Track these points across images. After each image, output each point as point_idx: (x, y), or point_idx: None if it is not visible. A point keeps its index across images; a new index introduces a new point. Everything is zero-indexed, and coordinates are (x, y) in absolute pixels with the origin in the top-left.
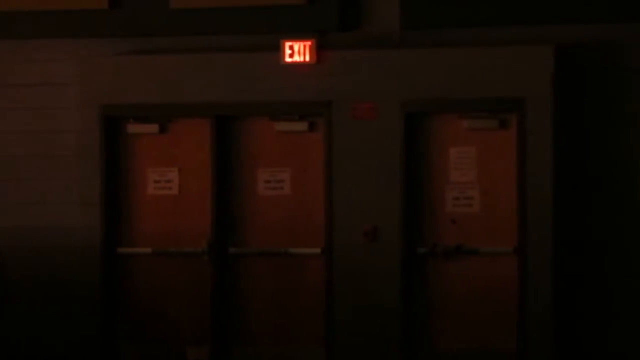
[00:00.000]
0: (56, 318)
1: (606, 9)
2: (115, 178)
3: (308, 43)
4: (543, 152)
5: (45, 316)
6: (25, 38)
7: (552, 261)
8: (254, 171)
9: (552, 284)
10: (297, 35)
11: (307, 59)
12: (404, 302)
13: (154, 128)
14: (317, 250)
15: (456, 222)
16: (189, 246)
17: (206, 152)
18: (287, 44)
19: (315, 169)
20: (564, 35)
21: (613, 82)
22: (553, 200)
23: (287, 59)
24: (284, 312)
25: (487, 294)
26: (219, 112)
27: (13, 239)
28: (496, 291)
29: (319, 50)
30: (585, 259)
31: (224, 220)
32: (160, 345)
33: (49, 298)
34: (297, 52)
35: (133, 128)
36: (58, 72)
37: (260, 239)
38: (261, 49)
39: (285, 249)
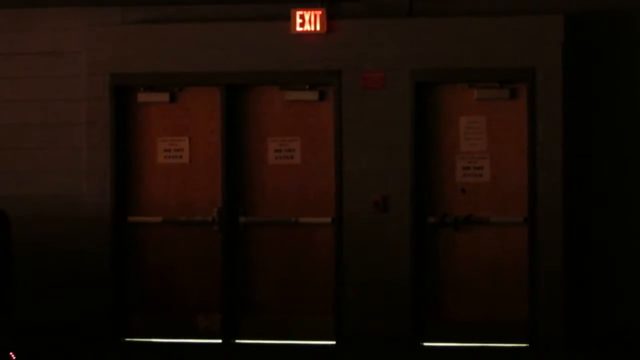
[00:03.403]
0: (66, 287)
1: None
2: (125, 147)
3: (318, 12)
4: (553, 122)
5: (54, 285)
6: (34, 6)
7: (562, 231)
8: (264, 140)
9: (562, 254)
10: (308, 4)
11: (318, 28)
12: (413, 272)
13: (164, 97)
14: (327, 220)
15: (466, 192)
16: (199, 215)
17: (216, 121)
18: (298, 13)
19: (325, 138)
20: (573, 4)
21: (622, 52)
22: (563, 170)
23: (298, 28)
24: (294, 281)
25: (498, 264)
26: (229, 81)
27: (22, 208)
28: (506, 261)
29: (329, 20)
30: (595, 228)
31: (235, 189)
32: (170, 313)
33: (58, 267)
34: (307, 21)
35: (143, 97)
36: (67, 40)
37: (271, 208)
38: (271, 18)
39: (295, 218)
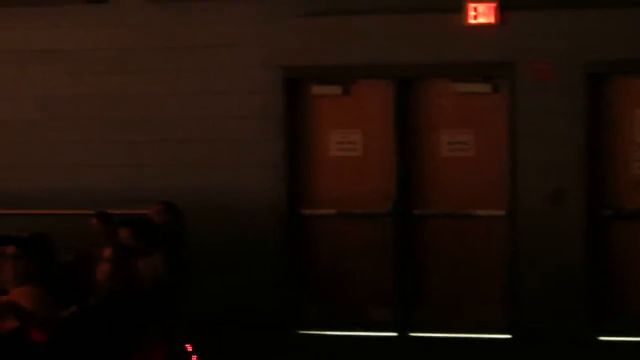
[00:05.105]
0: (240, 279)
1: None
2: (298, 139)
3: (492, 4)
4: None
5: (228, 277)
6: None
7: None
8: (436, 133)
9: None
10: None
11: (491, 20)
12: (588, 264)
13: (337, 90)
14: (502, 212)
15: None
16: (373, 207)
17: (389, 113)
18: (472, 5)
19: (499, 130)
20: None
21: None
22: None
23: (471, 20)
24: (467, 273)
25: None
26: (402, 74)
27: (195, 201)
28: None
29: (502, 11)
30: None
31: (408, 181)
32: (343, 305)
33: (232, 260)
34: (481, 13)
35: (316, 90)
36: (239, 33)
37: (444, 200)
38: (442, 10)
39: (469, 210)
